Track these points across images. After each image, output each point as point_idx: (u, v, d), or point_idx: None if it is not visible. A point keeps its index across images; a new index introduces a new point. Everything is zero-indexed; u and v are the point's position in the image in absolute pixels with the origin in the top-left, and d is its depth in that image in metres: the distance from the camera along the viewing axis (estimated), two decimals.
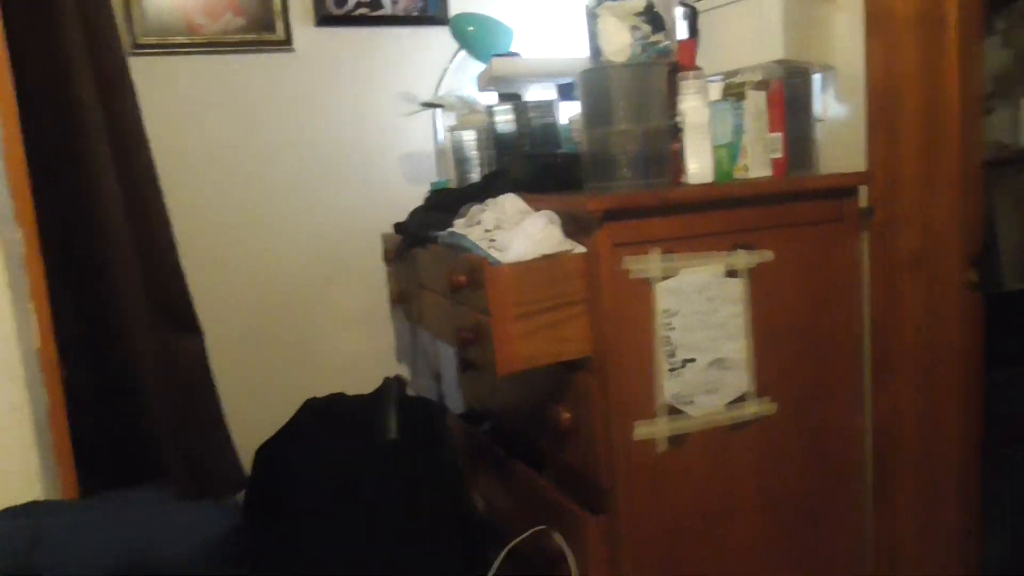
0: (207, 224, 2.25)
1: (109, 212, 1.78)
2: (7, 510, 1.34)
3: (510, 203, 1.59)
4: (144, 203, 1.89)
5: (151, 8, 2.12)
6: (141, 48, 2.12)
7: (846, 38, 1.66)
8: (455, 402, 2.45)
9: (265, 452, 1.90)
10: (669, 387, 1.47)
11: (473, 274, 1.49)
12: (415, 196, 2.31)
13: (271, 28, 2.24)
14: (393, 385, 1.98)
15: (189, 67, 2.20)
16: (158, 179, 1.93)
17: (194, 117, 2.22)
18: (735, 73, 1.62)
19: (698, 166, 1.53)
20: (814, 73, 1.69)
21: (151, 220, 1.90)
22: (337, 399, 2.02)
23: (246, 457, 2.00)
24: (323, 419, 1.91)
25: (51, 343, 1.45)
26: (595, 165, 1.52)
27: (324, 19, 2.29)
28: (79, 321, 1.76)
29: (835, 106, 1.72)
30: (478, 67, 2.24)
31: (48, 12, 1.66)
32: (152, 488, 1.47)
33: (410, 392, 2.05)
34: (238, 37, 2.21)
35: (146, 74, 2.07)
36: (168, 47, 2.16)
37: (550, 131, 1.96)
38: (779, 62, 1.58)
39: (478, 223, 1.61)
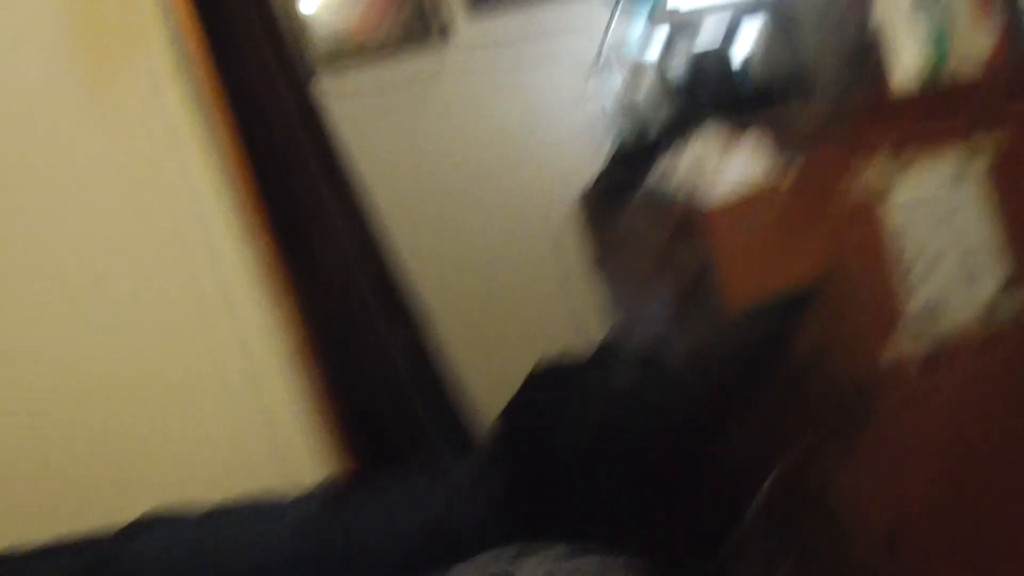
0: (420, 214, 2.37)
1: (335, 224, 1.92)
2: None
3: (708, 137, 1.54)
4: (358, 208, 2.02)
5: None
6: None
7: None
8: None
9: (508, 418, 1.95)
10: (914, 298, 1.38)
11: (685, 219, 1.46)
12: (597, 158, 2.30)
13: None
14: (613, 340, 1.98)
15: None
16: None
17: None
18: None
19: (908, 61, 1.42)
20: None
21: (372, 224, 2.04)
22: (566, 359, 2.04)
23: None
24: (556, 379, 1.94)
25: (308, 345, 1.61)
26: (796, 80, 1.45)
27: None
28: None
29: None
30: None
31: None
32: (420, 462, 1.56)
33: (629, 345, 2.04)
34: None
35: None
36: None
37: (731, 57, 1.88)
38: None
39: (679, 166, 1.58)
